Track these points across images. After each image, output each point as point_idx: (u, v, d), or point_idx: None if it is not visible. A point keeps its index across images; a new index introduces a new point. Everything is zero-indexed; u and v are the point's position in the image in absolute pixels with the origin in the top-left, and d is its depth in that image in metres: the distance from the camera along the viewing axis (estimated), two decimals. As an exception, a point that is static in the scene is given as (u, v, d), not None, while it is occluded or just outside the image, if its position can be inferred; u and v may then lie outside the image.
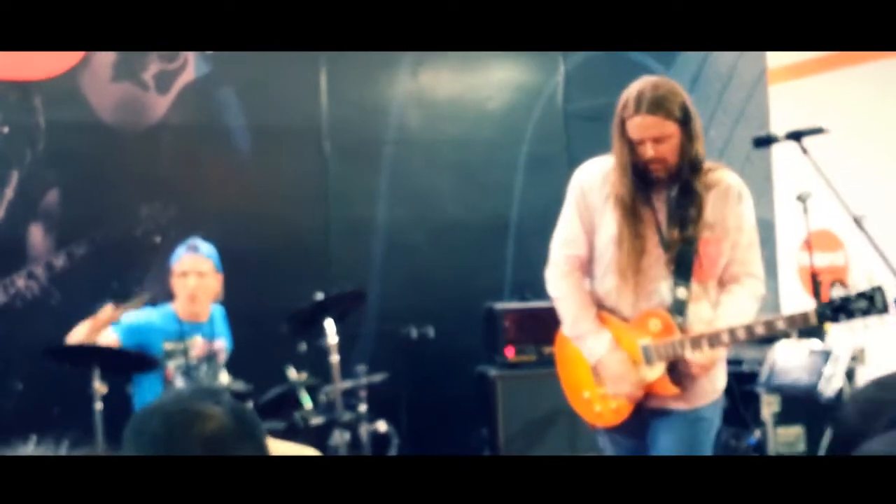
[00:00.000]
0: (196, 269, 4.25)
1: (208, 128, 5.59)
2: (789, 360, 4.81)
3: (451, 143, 6.09)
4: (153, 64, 5.46)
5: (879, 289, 2.93)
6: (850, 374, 4.91)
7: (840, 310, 2.96)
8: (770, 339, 5.29)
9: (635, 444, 3.33)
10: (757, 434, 5.02)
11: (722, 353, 3.20)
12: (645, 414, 3.25)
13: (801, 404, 4.98)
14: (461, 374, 5.60)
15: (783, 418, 5.04)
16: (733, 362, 5.27)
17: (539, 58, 6.36)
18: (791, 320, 3.08)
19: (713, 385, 3.27)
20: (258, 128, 5.66)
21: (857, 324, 2.96)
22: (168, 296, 4.32)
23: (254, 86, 5.67)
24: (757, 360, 5.12)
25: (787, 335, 4.85)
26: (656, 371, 3.17)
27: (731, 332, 3.06)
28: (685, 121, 3.03)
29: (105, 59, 5.35)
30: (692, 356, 3.09)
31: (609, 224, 3.17)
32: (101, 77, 5.35)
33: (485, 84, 6.24)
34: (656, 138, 3.01)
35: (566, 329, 3.34)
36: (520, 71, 6.37)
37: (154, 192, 5.39)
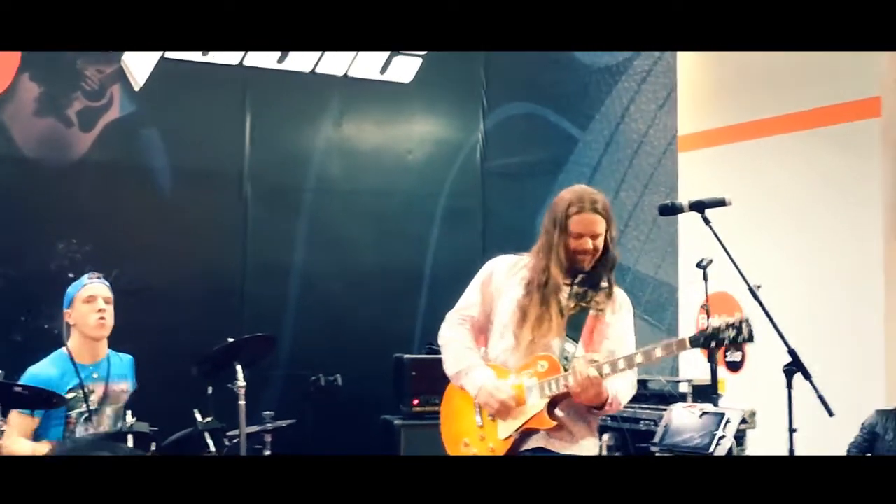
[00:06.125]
0: (103, 294, 4.23)
1: (130, 166, 5.65)
2: (683, 420, 5.00)
3: (371, 193, 6.23)
4: (78, 100, 5.51)
5: (746, 320, 3.25)
6: (739, 437, 5.12)
7: (711, 338, 3.28)
8: (666, 399, 5.53)
9: None
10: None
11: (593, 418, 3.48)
12: (523, 455, 3.45)
13: (693, 463, 5.16)
14: (367, 422, 5.70)
15: (676, 476, 5.22)
16: (630, 420, 5.49)
17: (460, 114, 6.55)
18: (668, 347, 3.36)
19: (590, 441, 3.51)
20: (180, 169, 5.72)
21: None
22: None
23: (178, 127, 5.73)
24: (653, 420, 5.32)
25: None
26: (537, 406, 3.40)
27: (612, 363, 3.34)
28: (609, 225, 3.48)
29: (29, 93, 5.38)
30: (572, 381, 3.32)
31: (512, 296, 3.51)
32: (25, 110, 5.39)
33: (406, 137, 6.41)
34: (594, 234, 3.44)
35: (450, 368, 3.59)
36: (441, 126, 6.55)
37: (72, 228, 5.41)
